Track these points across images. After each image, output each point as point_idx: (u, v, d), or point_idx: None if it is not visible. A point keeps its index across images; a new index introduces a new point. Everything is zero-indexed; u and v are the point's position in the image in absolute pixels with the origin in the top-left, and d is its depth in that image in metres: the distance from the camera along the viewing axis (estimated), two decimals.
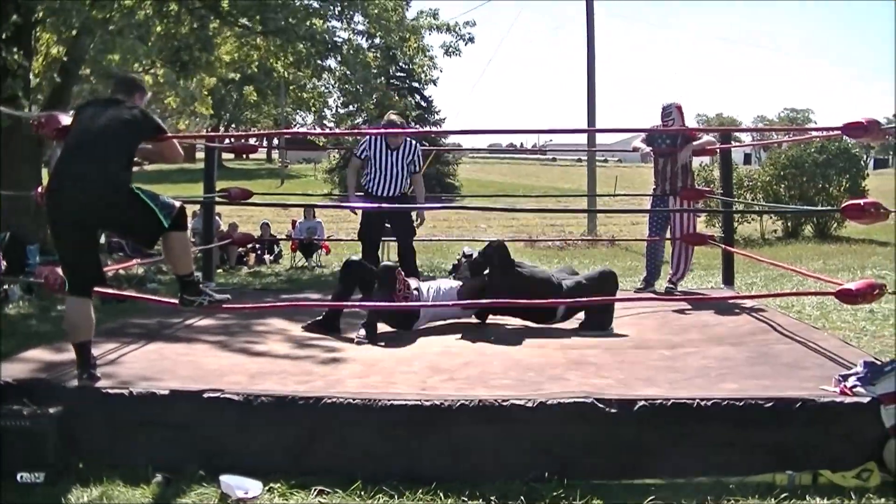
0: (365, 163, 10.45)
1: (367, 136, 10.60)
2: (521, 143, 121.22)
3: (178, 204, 6.34)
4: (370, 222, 10.54)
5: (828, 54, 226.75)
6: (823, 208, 23.15)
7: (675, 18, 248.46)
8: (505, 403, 5.39)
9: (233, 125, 54.58)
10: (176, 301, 6.82)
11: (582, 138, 30.07)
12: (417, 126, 41.17)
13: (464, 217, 30.24)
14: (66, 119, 6.63)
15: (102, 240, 10.65)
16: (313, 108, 22.15)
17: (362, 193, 10.63)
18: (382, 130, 9.05)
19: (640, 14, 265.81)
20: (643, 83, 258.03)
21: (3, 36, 15.06)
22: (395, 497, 5.18)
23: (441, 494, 5.14)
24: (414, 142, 10.60)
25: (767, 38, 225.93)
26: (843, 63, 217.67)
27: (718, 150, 11.00)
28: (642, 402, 5.37)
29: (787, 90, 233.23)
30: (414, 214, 10.40)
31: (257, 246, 19.60)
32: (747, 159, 45.54)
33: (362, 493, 5.21)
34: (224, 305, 7.12)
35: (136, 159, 6.39)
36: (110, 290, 7.68)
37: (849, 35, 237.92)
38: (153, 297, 7.80)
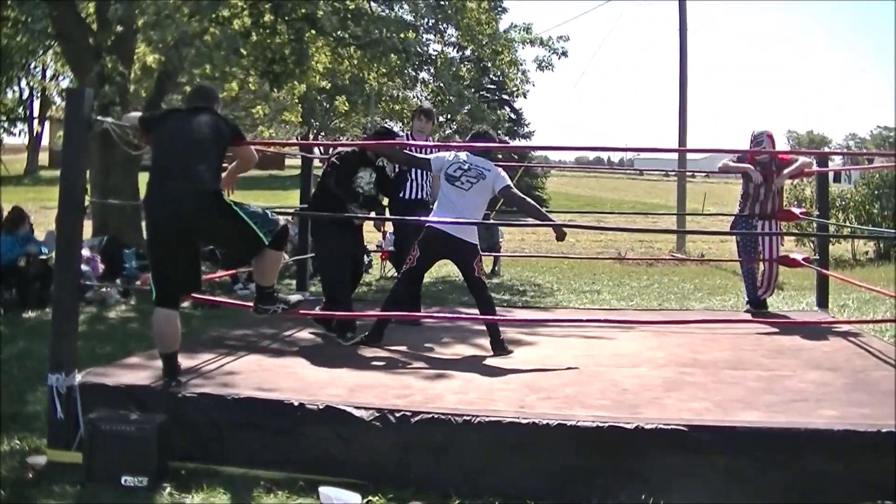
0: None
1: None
2: (609, 157, 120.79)
3: (282, 222, 6.45)
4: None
5: None
6: None
7: (766, 38, 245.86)
8: (604, 425, 5.40)
9: (322, 134, 54.71)
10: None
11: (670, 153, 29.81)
12: (507, 138, 41.08)
13: (552, 232, 30.09)
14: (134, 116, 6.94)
15: None
16: (405, 119, 22.10)
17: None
18: (478, 145, 8.64)
19: (733, 33, 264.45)
20: (734, 97, 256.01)
21: (106, 44, 15.34)
22: None
23: None
24: None
25: (859, 55, 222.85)
26: None
27: (815, 172, 10.85)
28: (741, 430, 5.35)
29: (880, 108, 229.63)
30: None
31: None
32: (837, 177, 44.67)
33: None
34: (300, 311, 7.34)
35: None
36: (203, 297, 7.81)
37: None
38: (243, 304, 7.90)
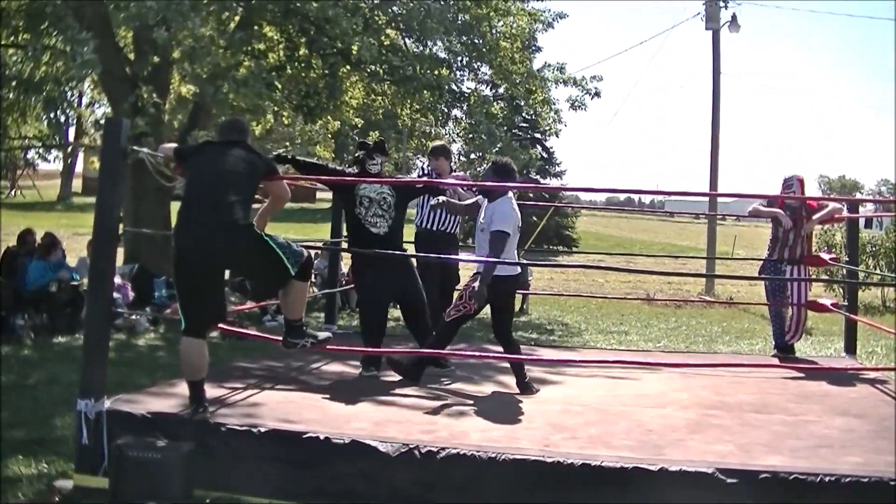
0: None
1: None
2: (640, 198, 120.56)
3: (306, 254, 6.53)
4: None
5: None
6: None
7: (798, 83, 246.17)
8: (628, 466, 5.40)
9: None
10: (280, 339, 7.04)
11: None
12: (538, 178, 41.09)
13: (581, 272, 30.10)
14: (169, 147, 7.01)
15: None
16: None
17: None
18: (522, 185, 8.55)
19: (764, 77, 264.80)
20: (767, 141, 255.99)
21: (142, 74, 15.51)
22: None
23: None
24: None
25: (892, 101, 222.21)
26: None
27: (845, 218, 10.86)
28: (764, 475, 5.33)
29: None
30: None
31: None
32: (868, 223, 44.36)
33: None
34: (327, 346, 7.38)
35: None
36: (231, 328, 7.86)
37: None
38: (270, 337, 7.96)
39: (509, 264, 7.90)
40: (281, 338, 6.99)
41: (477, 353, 9.44)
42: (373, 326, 8.65)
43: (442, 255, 9.46)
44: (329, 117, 19.77)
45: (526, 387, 7.89)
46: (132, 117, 13.79)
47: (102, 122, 17.37)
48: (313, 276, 13.09)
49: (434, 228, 9.97)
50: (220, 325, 7.05)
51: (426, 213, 9.97)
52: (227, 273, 6.97)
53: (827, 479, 5.22)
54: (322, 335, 7.16)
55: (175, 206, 6.75)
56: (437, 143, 11.28)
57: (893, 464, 5.51)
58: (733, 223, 64.35)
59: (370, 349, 8.29)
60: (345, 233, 9.80)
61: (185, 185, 6.53)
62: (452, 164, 10.59)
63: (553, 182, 51.17)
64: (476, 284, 7.82)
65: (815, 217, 10.14)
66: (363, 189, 8.64)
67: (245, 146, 6.61)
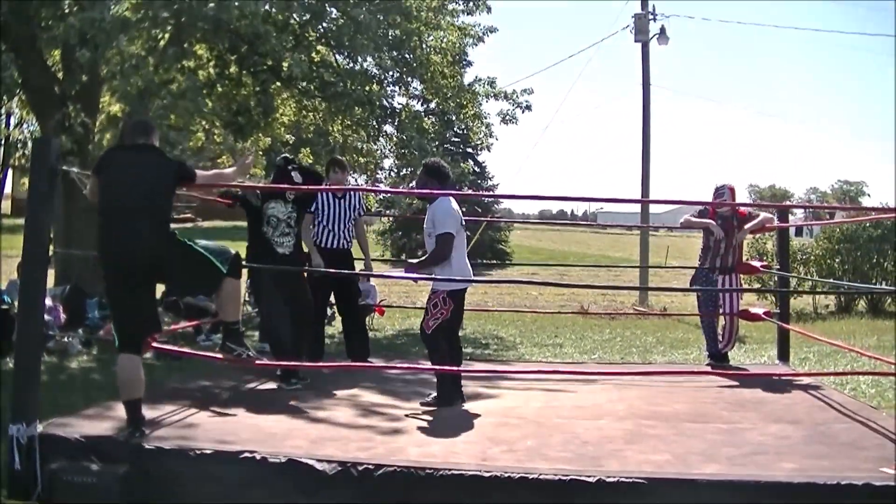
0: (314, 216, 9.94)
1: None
2: (572, 211, 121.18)
3: (232, 251, 6.54)
4: (316, 281, 9.76)
5: (880, 129, 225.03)
6: (882, 288, 22.25)
7: (727, 95, 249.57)
8: (565, 478, 5.41)
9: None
10: (220, 356, 7.01)
11: (633, 206, 29.58)
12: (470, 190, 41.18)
13: (515, 285, 30.12)
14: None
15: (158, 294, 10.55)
16: (368, 171, 22.03)
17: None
18: (453, 192, 8.38)
19: (693, 89, 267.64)
20: (695, 153, 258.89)
21: (71, 93, 15.33)
22: None
23: None
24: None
25: (821, 116, 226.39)
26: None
27: (775, 227, 10.98)
28: (701, 483, 5.38)
29: (840, 162, 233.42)
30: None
31: None
32: (799, 231, 44.87)
33: None
34: (256, 362, 7.31)
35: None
36: (166, 347, 7.79)
37: None
38: (206, 354, 7.88)
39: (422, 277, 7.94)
40: (215, 355, 6.93)
41: (418, 367, 9.38)
42: (280, 339, 8.78)
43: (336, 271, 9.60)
44: (260, 134, 19.69)
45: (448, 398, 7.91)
46: (58, 136, 13.60)
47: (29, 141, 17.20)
48: (247, 295, 13.05)
49: (327, 246, 9.91)
50: (155, 345, 6.97)
51: (319, 230, 9.94)
52: (157, 285, 6.89)
53: (763, 484, 5.27)
54: (254, 354, 7.14)
55: None
56: (336, 157, 11.41)
57: (828, 468, 5.58)
58: (666, 234, 64.89)
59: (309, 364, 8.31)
60: None
61: (103, 197, 6.45)
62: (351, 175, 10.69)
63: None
64: (442, 295, 7.88)
65: (746, 227, 10.24)
66: (272, 209, 8.78)
67: (156, 151, 6.58)
